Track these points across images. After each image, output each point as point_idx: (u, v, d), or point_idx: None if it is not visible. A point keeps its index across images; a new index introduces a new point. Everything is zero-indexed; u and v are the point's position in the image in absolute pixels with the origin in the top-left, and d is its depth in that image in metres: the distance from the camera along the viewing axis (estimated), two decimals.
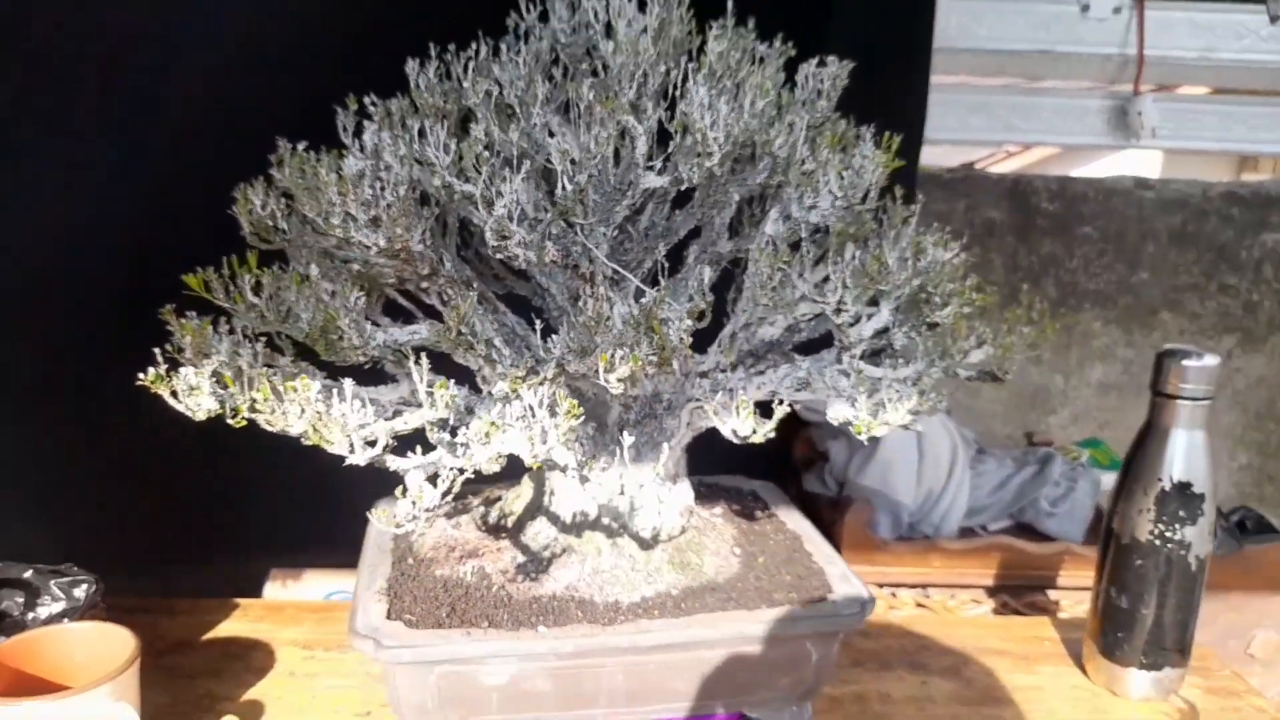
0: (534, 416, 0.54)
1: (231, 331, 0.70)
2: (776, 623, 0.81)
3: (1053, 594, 1.47)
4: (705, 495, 1.02)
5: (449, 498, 0.56)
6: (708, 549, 0.89)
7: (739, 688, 0.84)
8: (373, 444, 0.57)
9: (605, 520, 0.86)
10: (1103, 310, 1.77)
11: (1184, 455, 0.92)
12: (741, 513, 1.01)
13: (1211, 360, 0.91)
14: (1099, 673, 0.99)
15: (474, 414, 0.67)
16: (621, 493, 0.76)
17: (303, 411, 0.56)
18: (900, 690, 0.98)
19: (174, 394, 0.58)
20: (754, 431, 0.63)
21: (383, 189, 0.60)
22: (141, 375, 0.57)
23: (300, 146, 0.73)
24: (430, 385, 0.56)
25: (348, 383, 0.56)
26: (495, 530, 0.90)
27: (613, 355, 0.57)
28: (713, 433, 1.10)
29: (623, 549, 0.85)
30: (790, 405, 0.76)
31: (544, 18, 0.78)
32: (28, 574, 0.87)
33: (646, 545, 0.86)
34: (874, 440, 1.51)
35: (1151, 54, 1.65)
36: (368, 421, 0.58)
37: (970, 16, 1.68)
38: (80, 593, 0.86)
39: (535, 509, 0.89)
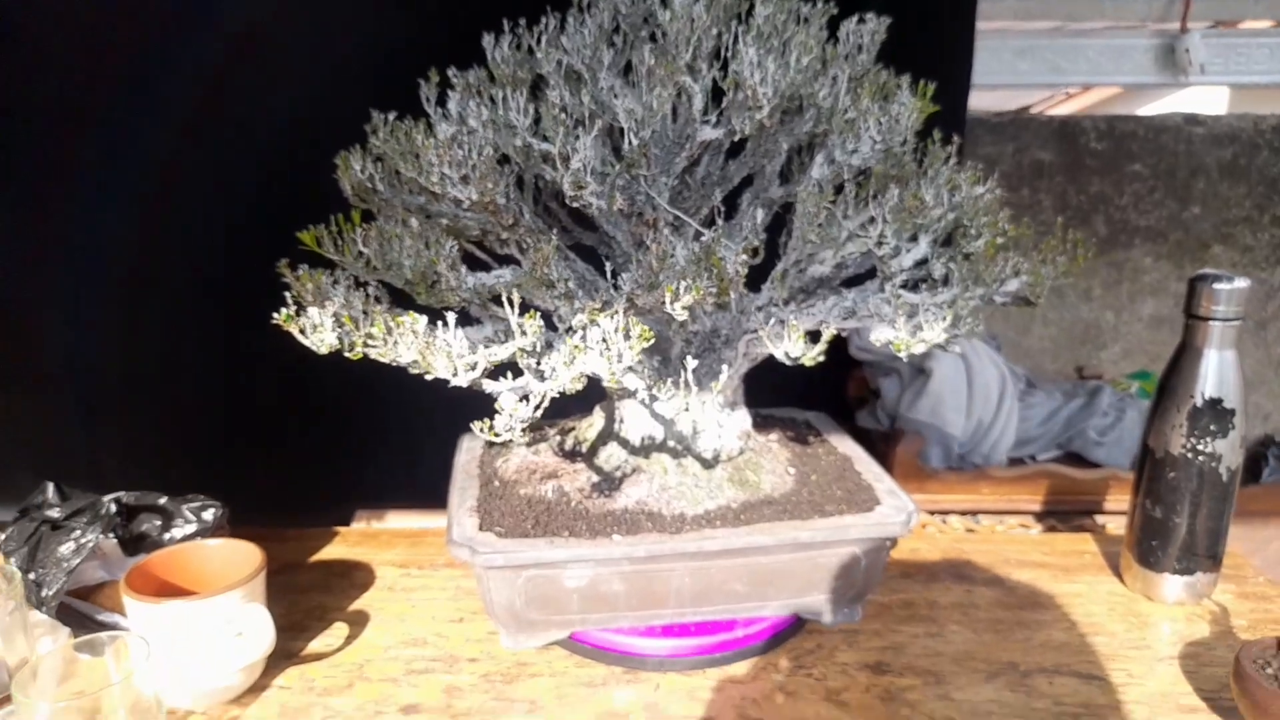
0: (611, 340, 0.63)
1: (335, 282, 0.80)
2: (827, 530, 0.90)
3: (1100, 519, 1.53)
4: (762, 424, 1.10)
5: (538, 412, 0.66)
6: (764, 468, 0.98)
7: (794, 590, 0.93)
8: (472, 368, 0.66)
9: (670, 443, 0.95)
10: (1154, 246, 1.80)
11: (1216, 373, 0.97)
12: (795, 438, 1.09)
13: (1242, 283, 0.96)
14: (1135, 580, 1.06)
15: (553, 348, 0.76)
16: (686, 410, 0.85)
17: (412, 343, 0.66)
18: (946, 598, 1.06)
19: (301, 331, 0.68)
20: (803, 354, 0.71)
21: (471, 150, 0.68)
22: (275, 315, 0.67)
23: (391, 116, 0.82)
24: (521, 317, 0.65)
25: (450, 317, 0.65)
26: (571, 455, 1.00)
27: (678, 287, 0.65)
28: (773, 373, 1.18)
29: (687, 468, 0.94)
30: (840, 333, 0.84)
31: None
32: (163, 500, 0.99)
33: (708, 465, 0.95)
34: (924, 375, 1.58)
35: None
36: (465, 352, 0.67)
37: None
38: (209, 516, 0.99)
39: (607, 435, 0.98)
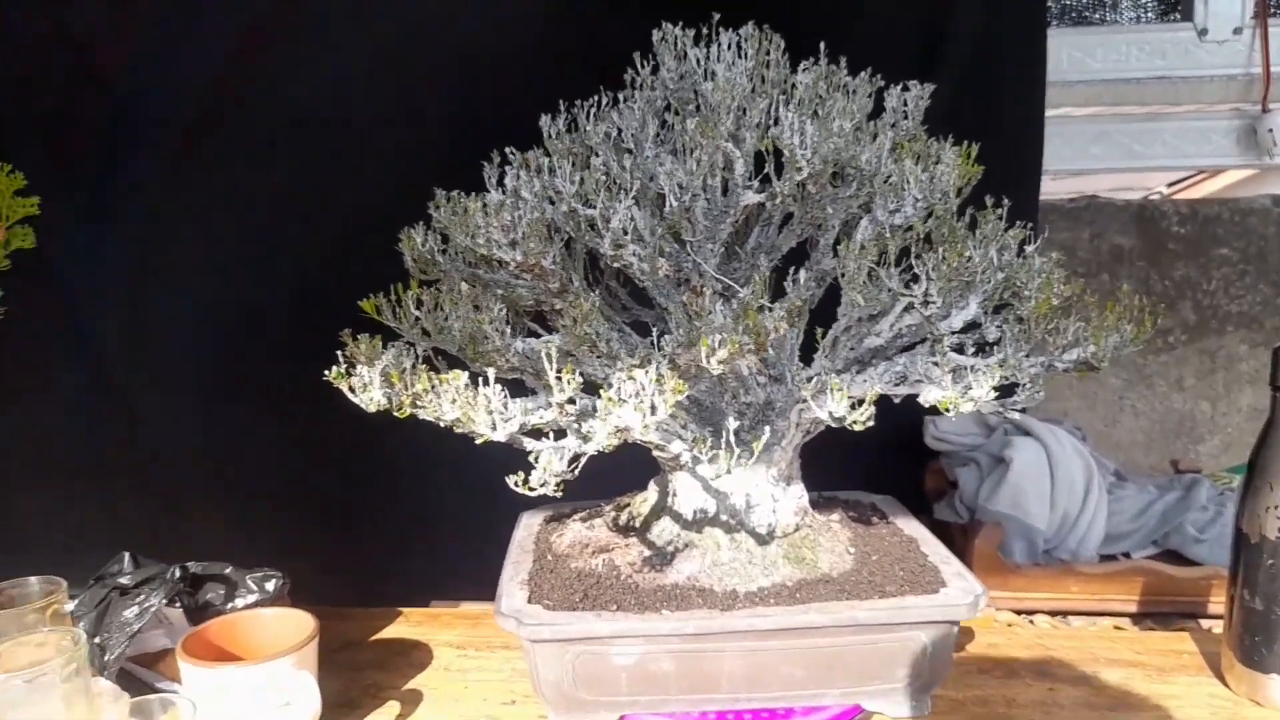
0: (644, 392, 0.63)
1: (389, 346, 0.82)
2: (888, 611, 0.86)
3: (1205, 623, 1.42)
4: (824, 505, 1.07)
5: (575, 468, 0.65)
6: (822, 546, 0.94)
7: (855, 677, 0.88)
8: (509, 422, 0.67)
9: (724, 517, 0.93)
10: (1248, 333, 1.72)
11: None
12: (858, 519, 1.05)
13: None
14: (1239, 681, 0.97)
15: (596, 414, 0.76)
16: (728, 472, 0.83)
17: (454, 400, 0.67)
18: (1026, 695, 0.99)
19: (351, 389, 0.70)
20: (847, 414, 0.69)
21: (519, 215, 0.71)
22: (326, 373, 0.69)
23: (454, 193, 0.86)
24: (559, 371, 0.65)
25: (490, 372, 0.66)
26: (625, 531, 0.98)
27: (713, 341, 0.65)
28: (847, 466, 1.15)
29: (740, 544, 0.91)
30: (894, 399, 0.82)
31: (656, 71, 0.88)
32: (228, 570, 1.01)
33: (762, 541, 0.92)
34: (1003, 464, 1.52)
35: None
36: (503, 407, 0.68)
37: (1082, 50, 1.70)
38: (271, 586, 1.00)
39: (660, 510, 0.97)
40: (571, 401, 0.68)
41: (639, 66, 0.89)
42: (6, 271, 1.11)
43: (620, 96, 0.86)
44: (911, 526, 1.05)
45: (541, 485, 0.64)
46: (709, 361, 0.66)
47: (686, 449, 0.72)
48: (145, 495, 1.59)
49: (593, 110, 0.84)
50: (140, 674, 0.95)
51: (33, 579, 1.08)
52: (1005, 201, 0.80)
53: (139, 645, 0.96)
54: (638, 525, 0.98)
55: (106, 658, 0.90)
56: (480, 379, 0.67)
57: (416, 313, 0.76)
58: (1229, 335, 1.72)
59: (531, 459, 0.65)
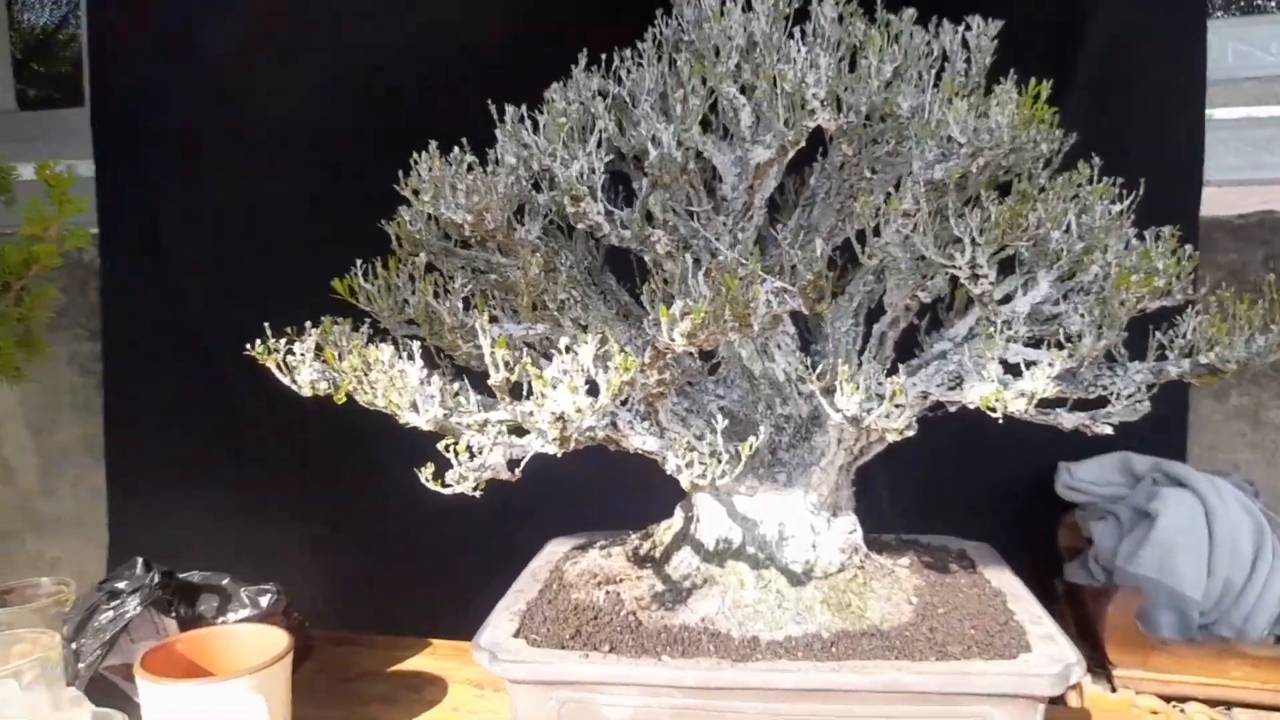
0: (574, 369, 0.50)
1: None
2: (945, 676, 0.68)
3: None
4: (896, 548, 0.90)
5: (516, 471, 0.53)
6: (875, 593, 0.77)
7: None
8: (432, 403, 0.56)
9: (751, 550, 0.78)
10: None
11: None
12: (933, 566, 0.87)
13: None
14: None
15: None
16: (705, 477, 0.66)
17: (380, 378, 0.57)
18: None
19: (279, 367, 0.61)
20: (863, 414, 0.54)
21: (470, 167, 0.60)
22: (249, 346, 0.61)
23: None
24: (494, 344, 0.54)
25: (414, 345, 0.56)
26: (642, 561, 0.85)
27: (676, 310, 0.52)
28: (975, 521, 0.98)
29: (768, 582, 0.76)
30: (948, 405, 0.66)
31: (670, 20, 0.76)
32: (224, 582, 0.94)
33: (797, 581, 0.76)
34: (1148, 519, 1.27)
35: None
36: (420, 382, 0.57)
37: (1251, 43, 1.46)
38: (265, 601, 0.92)
39: (682, 538, 0.83)
40: (517, 387, 0.56)
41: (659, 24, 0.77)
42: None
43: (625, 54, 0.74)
44: (1003, 579, 0.86)
45: (459, 482, 0.52)
46: (671, 335, 0.52)
47: (676, 459, 0.59)
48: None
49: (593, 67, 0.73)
50: (121, 684, 0.89)
51: (45, 579, 1.05)
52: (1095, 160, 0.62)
53: (129, 655, 0.90)
54: (657, 556, 0.84)
55: (80, 665, 0.84)
56: (406, 354, 0.56)
57: (364, 284, 0.67)
58: None
59: (449, 451, 0.53)
